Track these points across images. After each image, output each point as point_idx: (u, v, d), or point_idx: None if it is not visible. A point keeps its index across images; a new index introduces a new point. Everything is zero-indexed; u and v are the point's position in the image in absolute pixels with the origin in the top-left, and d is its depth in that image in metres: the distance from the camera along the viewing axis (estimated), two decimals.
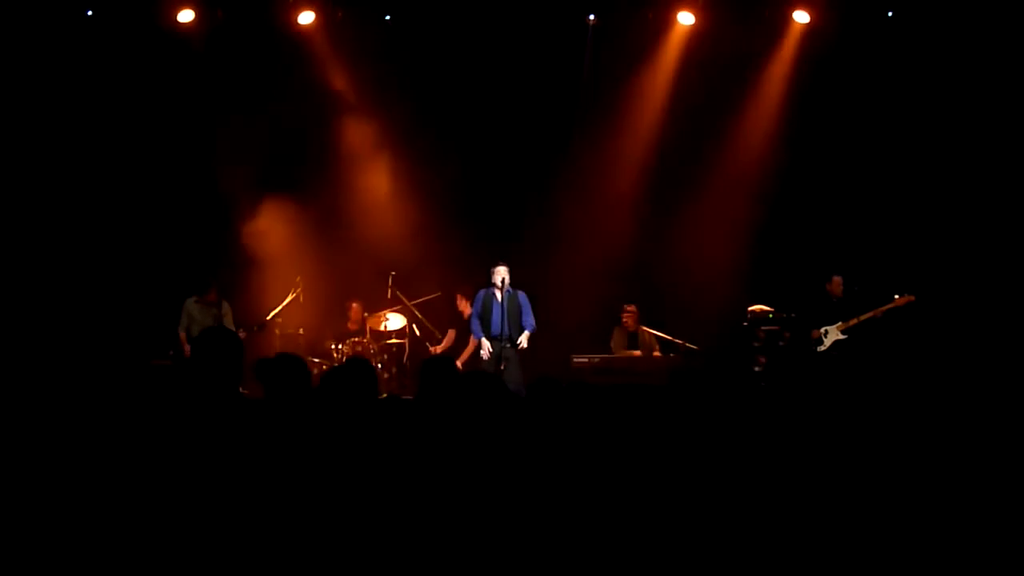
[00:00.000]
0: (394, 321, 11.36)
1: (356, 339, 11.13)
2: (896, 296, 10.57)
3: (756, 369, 10.97)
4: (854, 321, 10.67)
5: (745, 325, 11.10)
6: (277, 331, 11.10)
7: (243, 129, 11.12)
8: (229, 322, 10.72)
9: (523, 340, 10.24)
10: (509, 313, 10.15)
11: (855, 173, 11.68)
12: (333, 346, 11.03)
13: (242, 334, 9.80)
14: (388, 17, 11.63)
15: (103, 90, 11.53)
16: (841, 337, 10.75)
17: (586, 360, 10.69)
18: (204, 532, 3.35)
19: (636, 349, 11.35)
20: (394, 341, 11.28)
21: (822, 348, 10.81)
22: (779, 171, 11.74)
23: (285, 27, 11.57)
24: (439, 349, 11.17)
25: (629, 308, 11.39)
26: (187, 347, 10.50)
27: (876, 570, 3.55)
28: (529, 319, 10.32)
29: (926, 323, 10.70)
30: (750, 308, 11.11)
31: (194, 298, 10.81)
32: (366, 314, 11.35)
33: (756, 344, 11.04)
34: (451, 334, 11.28)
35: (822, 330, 10.82)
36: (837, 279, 10.90)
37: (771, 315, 11.02)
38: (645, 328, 11.41)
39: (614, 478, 3.70)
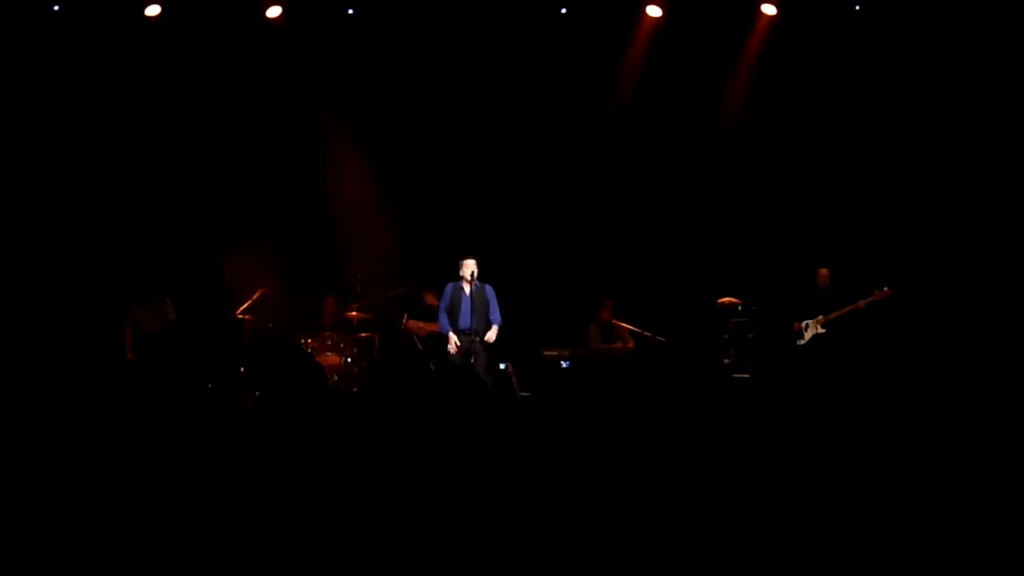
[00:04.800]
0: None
1: (326, 333, 11.09)
2: (875, 290, 10.55)
3: (726, 361, 11.03)
4: (833, 315, 10.74)
5: (714, 317, 11.16)
6: (246, 327, 11.04)
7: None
8: (172, 317, 10.72)
9: (491, 335, 9.93)
10: (477, 307, 9.97)
11: (833, 165, 11.68)
12: (303, 340, 10.98)
13: None
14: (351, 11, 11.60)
15: (72, 86, 11.47)
16: (821, 331, 10.80)
17: (556, 353, 10.72)
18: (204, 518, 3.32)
19: (612, 342, 11.40)
20: (364, 335, 11.23)
21: (802, 342, 10.88)
22: (753, 162, 11.82)
23: (255, 22, 11.52)
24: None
25: (606, 302, 11.44)
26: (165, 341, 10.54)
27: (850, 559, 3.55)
28: (495, 313, 10.02)
29: (905, 317, 10.73)
30: (719, 300, 11.17)
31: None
32: (338, 308, 11.34)
33: (725, 336, 11.09)
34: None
35: (803, 323, 10.88)
36: (823, 271, 10.90)
37: (740, 307, 11.08)
38: (618, 321, 11.46)
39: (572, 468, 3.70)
